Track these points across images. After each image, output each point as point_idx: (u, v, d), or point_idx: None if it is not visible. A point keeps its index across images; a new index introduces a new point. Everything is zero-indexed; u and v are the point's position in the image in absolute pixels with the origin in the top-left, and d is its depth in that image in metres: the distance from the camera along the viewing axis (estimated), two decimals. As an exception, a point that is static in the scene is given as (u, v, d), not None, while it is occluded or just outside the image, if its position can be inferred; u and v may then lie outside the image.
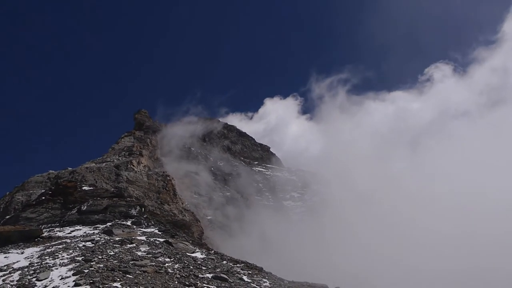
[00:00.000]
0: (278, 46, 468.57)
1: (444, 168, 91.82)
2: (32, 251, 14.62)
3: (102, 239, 16.57)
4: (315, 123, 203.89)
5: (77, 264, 11.91)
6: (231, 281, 12.43)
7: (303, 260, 43.32)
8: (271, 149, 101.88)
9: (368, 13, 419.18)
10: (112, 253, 13.72)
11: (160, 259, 13.62)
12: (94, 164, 42.11)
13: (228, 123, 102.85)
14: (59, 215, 23.08)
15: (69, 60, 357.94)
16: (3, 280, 10.80)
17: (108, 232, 18.45)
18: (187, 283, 11.06)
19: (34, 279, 10.72)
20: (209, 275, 12.56)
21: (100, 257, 12.87)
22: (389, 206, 64.89)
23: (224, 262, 16.08)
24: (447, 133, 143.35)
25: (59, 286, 9.99)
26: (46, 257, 13.15)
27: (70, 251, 13.96)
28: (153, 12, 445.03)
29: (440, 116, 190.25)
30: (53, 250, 14.31)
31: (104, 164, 42.26)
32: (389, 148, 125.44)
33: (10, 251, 14.76)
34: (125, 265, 11.83)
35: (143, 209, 25.20)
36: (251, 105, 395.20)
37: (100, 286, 9.62)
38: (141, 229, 20.51)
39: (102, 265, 11.60)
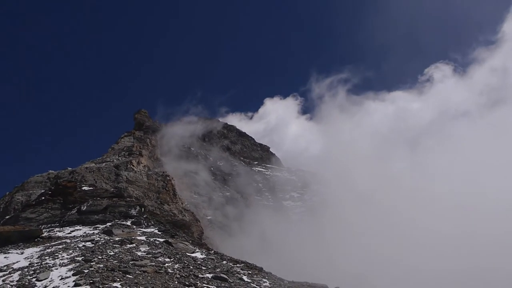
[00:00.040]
0: (278, 46, 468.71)
1: (444, 168, 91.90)
2: (32, 251, 14.62)
3: (102, 239, 16.57)
4: (315, 123, 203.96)
5: (77, 264, 11.91)
6: (231, 281, 12.43)
7: (303, 260, 43.31)
8: (270, 149, 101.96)
9: (368, 13, 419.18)
10: (112, 253, 13.72)
11: (160, 259, 13.62)
12: (93, 164, 42.11)
13: (228, 123, 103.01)
14: (59, 215, 23.08)
15: (69, 60, 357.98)
16: (3, 281, 10.80)
17: (108, 232, 18.44)
18: (187, 283, 11.07)
19: (34, 279, 10.72)
20: (209, 275, 12.56)
21: (100, 257, 12.87)
22: (389, 206, 64.86)
23: (224, 262, 16.09)
24: (447, 133, 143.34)
25: (59, 286, 9.99)
26: (46, 257, 13.15)
27: (70, 251, 13.96)
28: (153, 12, 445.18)
29: (440, 116, 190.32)
30: (53, 250, 14.31)
31: (104, 164, 42.26)
32: (389, 148, 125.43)
33: (10, 251, 14.76)
34: (125, 265, 11.84)
35: (143, 209, 25.20)
36: (251, 105, 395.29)
37: (100, 286, 9.62)
38: (141, 229, 20.51)
39: (102, 265, 11.60)
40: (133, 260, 12.80)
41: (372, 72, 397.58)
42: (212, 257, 16.62)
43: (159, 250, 15.19)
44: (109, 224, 21.05)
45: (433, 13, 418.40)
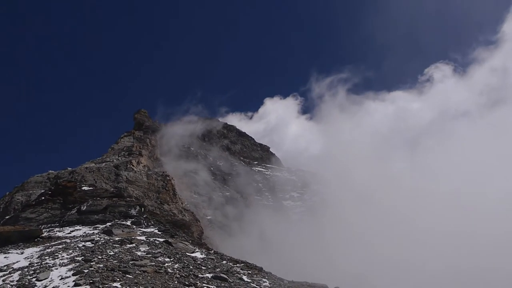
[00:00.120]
0: (278, 46, 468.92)
1: (444, 168, 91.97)
2: (32, 251, 14.62)
3: (102, 239, 16.58)
4: (315, 123, 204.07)
5: (77, 264, 11.91)
6: (230, 281, 12.44)
7: (303, 260, 43.32)
8: (270, 149, 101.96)
9: (368, 13, 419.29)
10: (112, 253, 13.72)
11: (159, 259, 13.63)
12: (93, 164, 42.11)
13: (228, 123, 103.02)
14: (58, 215, 23.08)
15: (69, 60, 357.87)
16: (3, 281, 10.80)
17: (107, 232, 18.45)
18: (186, 283, 11.07)
19: (34, 279, 10.72)
20: (209, 275, 12.57)
21: (100, 257, 12.87)
22: (389, 206, 64.88)
23: (224, 262, 16.09)
24: (447, 133, 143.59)
25: (59, 286, 10.00)
26: (46, 257, 13.16)
27: (70, 251, 13.96)
28: (153, 12, 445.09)
29: (440, 116, 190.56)
30: (53, 250, 14.31)
31: (104, 164, 42.26)
32: (389, 148, 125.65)
33: (10, 251, 14.76)
34: (125, 265, 11.84)
35: (142, 209, 25.20)
36: (251, 105, 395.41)
37: (100, 286, 9.62)
38: (141, 229, 20.52)
39: (102, 265, 11.60)
40: (133, 260, 12.81)
41: (372, 72, 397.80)
42: (212, 257, 16.62)
43: (159, 250, 15.19)
44: (109, 224, 21.05)
45: (433, 13, 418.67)
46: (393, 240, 52.72)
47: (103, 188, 31.25)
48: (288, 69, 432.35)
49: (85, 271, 10.87)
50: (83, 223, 21.35)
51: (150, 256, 13.85)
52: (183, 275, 11.91)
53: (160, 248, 15.77)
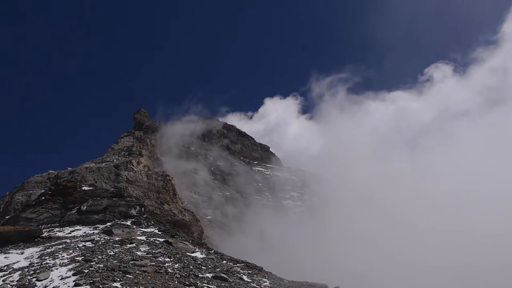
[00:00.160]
0: (278, 46, 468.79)
1: (444, 167, 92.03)
2: (32, 251, 14.63)
3: (102, 239, 16.58)
4: (315, 123, 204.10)
5: (77, 264, 11.91)
6: (231, 280, 12.44)
7: (303, 260, 43.34)
8: (270, 149, 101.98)
9: (368, 13, 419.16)
10: (112, 253, 13.72)
11: (160, 259, 13.63)
12: (93, 164, 42.11)
13: (228, 123, 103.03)
14: (59, 215, 23.09)
15: (69, 60, 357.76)
16: (3, 281, 10.81)
17: (108, 232, 18.45)
18: (187, 283, 11.08)
19: (34, 279, 10.72)
20: (209, 275, 12.57)
21: (100, 257, 12.87)
22: (389, 205, 64.93)
23: (224, 261, 16.09)
24: (447, 133, 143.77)
25: (59, 286, 10.00)
26: (46, 257, 13.16)
27: (70, 251, 13.96)
28: (153, 12, 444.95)
29: (440, 116, 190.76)
30: (53, 250, 14.31)
31: (104, 164, 42.26)
32: (389, 147, 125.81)
33: (10, 251, 14.77)
34: (125, 265, 11.84)
35: (143, 209, 25.20)
36: (251, 105, 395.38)
37: (100, 286, 9.62)
38: (141, 229, 20.52)
39: (102, 265, 11.60)
40: (133, 260, 12.81)
41: (372, 71, 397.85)
42: (212, 256, 16.63)
43: (159, 250, 15.19)
44: (109, 224, 21.05)
45: (433, 13, 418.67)
46: (393, 239, 52.78)
47: (103, 188, 31.25)
48: (288, 69, 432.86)
49: (85, 271, 10.87)
50: (83, 223, 21.35)
51: (150, 256, 13.85)
52: (183, 275, 11.92)
53: (160, 248, 15.77)
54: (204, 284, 11.29)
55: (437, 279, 42.78)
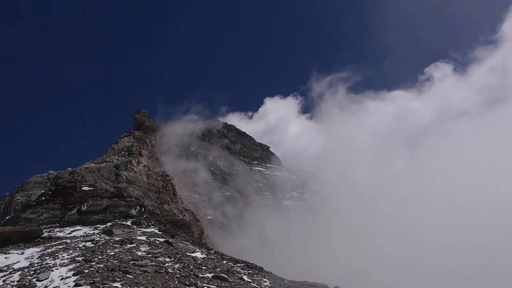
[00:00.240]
0: (278, 45, 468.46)
1: (444, 167, 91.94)
2: (32, 251, 14.64)
3: (102, 239, 16.59)
4: (315, 122, 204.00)
5: (77, 264, 11.93)
6: (231, 280, 12.45)
7: (303, 260, 43.36)
8: (270, 149, 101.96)
9: (368, 13, 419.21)
10: (112, 253, 13.74)
11: (160, 259, 13.64)
12: (93, 164, 42.10)
13: (228, 123, 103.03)
14: (59, 215, 23.10)
15: (69, 60, 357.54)
16: (4, 281, 10.82)
17: (108, 232, 18.46)
18: (187, 283, 11.09)
19: (35, 279, 10.74)
20: (209, 275, 12.58)
21: (100, 257, 12.89)
22: (389, 205, 64.97)
23: (224, 261, 16.10)
24: (447, 132, 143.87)
25: (59, 286, 10.01)
26: (46, 258, 13.17)
27: (70, 251, 13.98)
28: (153, 12, 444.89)
29: (440, 116, 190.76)
30: (53, 251, 14.33)
31: (104, 164, 42.26)
32: (389, 147, 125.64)
33: (10, 251, 14.78)
34: (125, 265, 11.85)
35: (143, 209, 25.22)
36: (251, 105, 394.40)
37: (100, 286, 9.64)
38: (141, 229, 20.53)
39: (102, 265, 11.61)
40: (133, 260, 12.82)
41: (372, 71, 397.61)
42: (212, 256, 16.64)
43: (159, 250, 15.21)
44: (109, 224, 21.07)
45: (433, 13, 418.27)
46: (393, 239, 52.81)
47: (103, 188, 31.26)
48: (289, 68, 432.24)
49: (86, 271, 10.89)
50: (84, 223, 21.37)
51: (151, 256, 13.86)
52: (184, 275, 11.93)
53: (160, 248, 15.79)
54: (204, 284, 11.30)
55: (437, 278, 42.81)
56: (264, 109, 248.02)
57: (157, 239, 17.72)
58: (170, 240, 17.84)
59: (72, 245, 15.34)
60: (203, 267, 13.75)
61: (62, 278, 10.57)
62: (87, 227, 20.63)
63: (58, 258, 12.95)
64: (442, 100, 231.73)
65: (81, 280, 10.04)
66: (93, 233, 18.87)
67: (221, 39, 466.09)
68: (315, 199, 70.56)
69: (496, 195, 66.41)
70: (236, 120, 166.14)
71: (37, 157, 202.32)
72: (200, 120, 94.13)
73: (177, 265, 13.23)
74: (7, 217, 26.55)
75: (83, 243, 15.61)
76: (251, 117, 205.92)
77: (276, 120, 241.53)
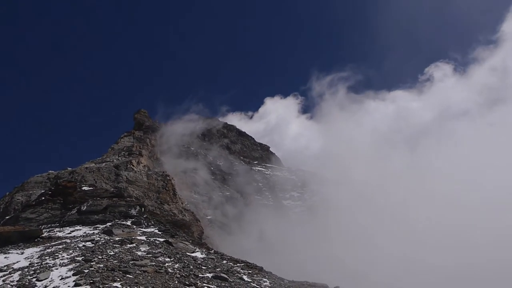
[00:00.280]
0: (278, 45, 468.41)
1: (444, 167, 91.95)
2: (32, 251, 14.64)
3: (102, 239, 16.59)
4: (315, 122, 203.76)
5: (77, 264, 11.92)
6: (231, 280, 12.45)
7: (303, 260, 43.35)
8: (270, 149, 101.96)
9: (368, 13, 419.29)
10: (112, 253, 13.73)
11: (160, 259, 13.64)
12: (93, 164, 42.10)
13: (228, 123, 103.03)
14: (59, 215, 23.10)
15: (69, 59, 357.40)
16: (3, 281, 10.81)
17: (108, 232, 18.46)
18: (187, 282, 11.08)
19: (34, 279, 10.73)
20: (209, 275, 12.58)
21: (100, 257, 12.88)
22: (389, 205, 64.97)
23: (224, 261, 16.10)
24: (447, 132, 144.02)
25: (59, 286, 10.01)
26: (46, 257, 13.17)
27: (70, 251, 13.97)
28: (153, 11, 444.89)
29: (440, 116, 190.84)
30: (53, 250, 14.32)
31: (104, 164, 42.26)
32: (389, 147, 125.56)
33: (10, 251, 14.78)
34: (125, 265, 11.85)
35: (143, 209, 25.22)
36: (251, 105, 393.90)
37: (100, 286, 9.63)
38: (141, 229, 20.53)
39: (102, 265, 11.61)
40: (133, 260, 12.82)
41: (372, 71, 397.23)
42: (212, 256, 16.64)
43: (159, 250, 15.20)
44: (109, 224, 21.06)
45: (433, 13, 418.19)
46: (393, 239, 52.81)
47: (103, 188, 31.26)
48: (289, 68, 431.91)
49: (86, 271, 10.88)
50: (83, 223, 21.37)
51: (151, 256, 13.86)
52: (184, 275, 11.92)
53: (160, 248, 15.78)
54: (204, 284, 11.30)
55: (437, 278, 42.81)
56: (264, 109, 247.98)
57: (157, 239, 17.72)
58: (170, 240, 17.84)
59: (72, 245, 15.33)
60: (203, 267, 13.75)
61: (62, 278, 10.57)
62: (87, 227, 20.63)
63: (58, 258, 12.95)
64: (442, 100, 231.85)
65: (81, 280, 10.03)
66: (93, 233, 18.86)
67: (221, 39, 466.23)
68: (315, 199, 70.54)
69: (496, 195, 66.39)
70: (236, 120, 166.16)
71: (37, 157, 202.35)
72: (200, 120, 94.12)
73: (177, 265, 13.23)
74: (7, 217, 26.55)
75: (83, 243, 15.60)
76: (251, 117, 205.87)
77: (276, 120, 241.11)
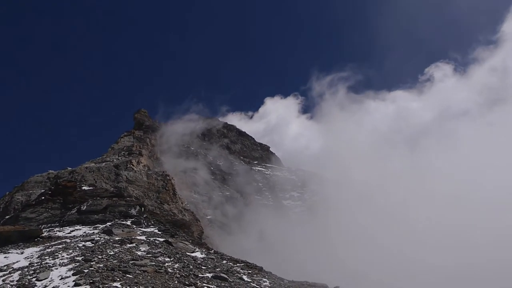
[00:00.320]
0: (279, 45, 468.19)
1: (444, 167, 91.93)
2: (32, 251, 14.63)
3: (102, 239, 16.58)
4: (315, 122, 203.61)
5: (77, 264, 11.92)
6: (231, 280, 12.44)
7: (303, 260, 43.35)
8: (270, 149, 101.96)
9: (369, 13, 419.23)
10: (112, 253, 13.73)
11: (160, 259, 13.63)
12: (93, 164, 42.11)
13: (228, 123, 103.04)
14: (58, 215, 23.09)
15: (69, 59, 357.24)
16: (3, 280, 10.81)
17: (108, 232, 18.45)
18: (187, 282, 11.08)
19: (34, 279, 10.73)
20: (209, 275, 12.58)
21: (100, 257, 12.88)
22: (389, 205, 64.96)
23: (224, 261, 16.10)
24: (447, 132, 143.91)
25: (59, 286, 10.00)
26: (46, 257, 13.16)
27: (70, 251, 13.96)
28: (154, 11, 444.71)
29: (440, 116, 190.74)
30: (53, 250, 14.32)
31: (104, 164, 42.26)
32: (389, 147, 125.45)
33: (10, 251, 14.77)
34: (125, 265, 11.84)
35: (142, 208, 25.21)
36: (251, 105, 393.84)
37: (100, 286, 9.63)
38: (141, 229, 20.52)
39: (102, 265, 11.61)
40: (133, 259, 12.82)
41: (372, 71, 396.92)
42: (212, 256, 16.63)
43: (159, 250, 15.20)
44: (109, 223, 21.06)
45: (433, 13, 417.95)
46: (393, 239, 52.79)
47: (103, 188, 31.25)
48: (289, 68, 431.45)
49: (85, 271, 10.87)
50: (83, 223, 21.36)
51: (150, 256, 13.85)
52: (183, 274, 11.92)
53: (160, 248, 15.78)
54: (204, 284, 11.29)
55: (437, 278, 42.81)
56: (264, 109, 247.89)
57: (157, 239, 17.72)
58: (170, 240, 17.83)
59: (72, 244, 15.33)
60: (203, 267, 13.75)
61: (61, 278, 10.56)
62: (86, 226, 20.62)
63: (57, 258, 12.95)
64: (442, 100, 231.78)
65: (81, 279, 10.03)
66: (93, 232, 18.86)
67: (221, 39, 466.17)
68: (315, 199, 70.51)
69: (496, 195, 66.35)
70: (236, 120, 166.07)
71: (37, 157, 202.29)
72: (200, 120, 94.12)
73: (176, 264, 13.23)
74: (7, 217, 26.55)
75: (83, 243, 15.60)
76: (251, 117, 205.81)
77: (276, 120, 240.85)
